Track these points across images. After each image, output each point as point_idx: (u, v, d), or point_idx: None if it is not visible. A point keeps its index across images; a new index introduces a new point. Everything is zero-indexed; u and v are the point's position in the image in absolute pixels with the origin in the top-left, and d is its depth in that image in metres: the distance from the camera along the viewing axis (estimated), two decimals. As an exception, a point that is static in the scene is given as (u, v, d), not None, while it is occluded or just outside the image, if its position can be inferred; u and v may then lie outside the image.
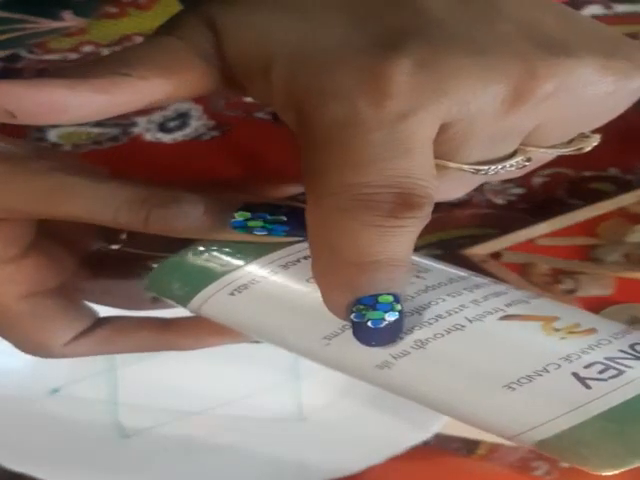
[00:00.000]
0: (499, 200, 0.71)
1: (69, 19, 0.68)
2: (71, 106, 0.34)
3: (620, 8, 0.86)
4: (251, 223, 0.35)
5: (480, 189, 0.71)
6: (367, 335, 0.33)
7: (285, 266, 0.35)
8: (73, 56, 0.75)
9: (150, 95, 0.34)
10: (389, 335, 0.33)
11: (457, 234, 0.68)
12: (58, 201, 0.36)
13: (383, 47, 0.33)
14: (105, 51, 0.74)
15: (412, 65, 0.32)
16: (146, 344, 0.41)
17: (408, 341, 0.33)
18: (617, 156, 0.73)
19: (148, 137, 0.76)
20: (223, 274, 0.35)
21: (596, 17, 0.83)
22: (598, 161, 0.73)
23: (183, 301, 0.36)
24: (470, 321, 0.32)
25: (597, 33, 0.35)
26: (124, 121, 0.77)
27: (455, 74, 0.32)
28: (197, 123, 0.77)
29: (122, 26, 0.75)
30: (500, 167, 0.35)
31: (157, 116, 0.77)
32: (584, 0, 0.86)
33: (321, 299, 0.33)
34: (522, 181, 0.71)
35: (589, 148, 0.36)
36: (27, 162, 0.37)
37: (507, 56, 0.33)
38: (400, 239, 0.32)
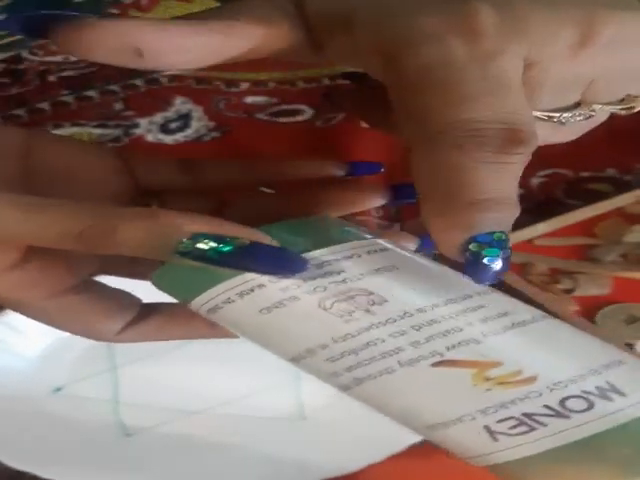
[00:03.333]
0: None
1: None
2: (194, 46, 0.35)
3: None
4: (195, 252, 0.33)
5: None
6: (482, 272, 0.33)
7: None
8: (74, 57, 0.75)
9: (254, 41, 0.36)
10: (500, 272, 0.33)
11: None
12: None
13: None
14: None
15: (492, 8, 0.34)
16: (200, 332, 0.40)
17: (349, 377, 0.34)
18: (615, 157, 0.73)
19: (150, 138, 0.76)
20: (229, 277, 0.34)
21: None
22: (596, 162, 0.73)
23: (185, 300, 0.36)
24: (401, 365, 0.33)
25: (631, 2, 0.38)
26: (126, 122, 0.77)
27: (530, 19, 0.34)
28: (198, 124, 0.77)
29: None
30: (570, 115, 0.37)
31: (158, 117, 0.78)
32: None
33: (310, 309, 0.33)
34: (520, 182, 0.71)
35: (639, 108, 0.38)
36: None
37: (572, 6, 0.35)
38: (509, 176, 0.33)
